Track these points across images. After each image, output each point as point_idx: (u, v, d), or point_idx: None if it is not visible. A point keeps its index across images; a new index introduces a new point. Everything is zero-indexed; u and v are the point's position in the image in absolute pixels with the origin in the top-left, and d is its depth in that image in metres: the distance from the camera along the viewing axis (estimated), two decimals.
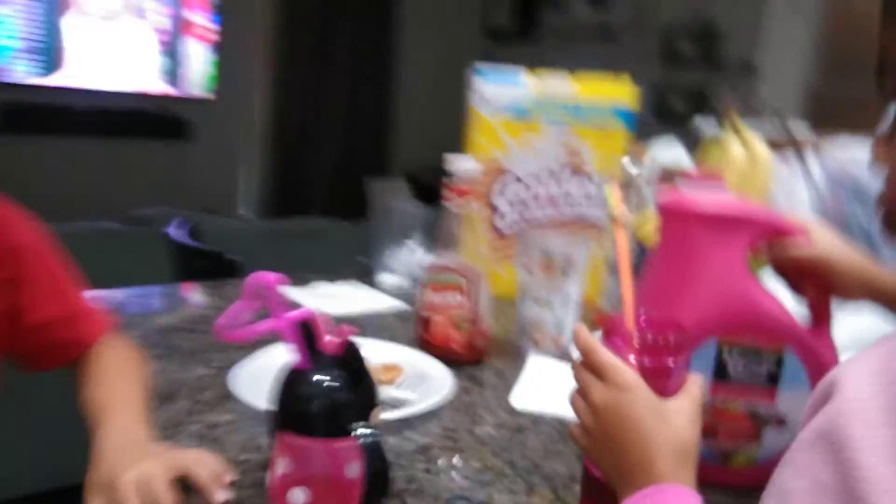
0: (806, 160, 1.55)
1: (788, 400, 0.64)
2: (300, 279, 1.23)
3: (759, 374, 0.64)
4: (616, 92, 1.19)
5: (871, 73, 0.48)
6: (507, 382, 0.87)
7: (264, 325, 0.55)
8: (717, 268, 0.66)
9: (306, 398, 0.55)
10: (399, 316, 1.10)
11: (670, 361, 0.50)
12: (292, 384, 0.56)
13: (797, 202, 1.44)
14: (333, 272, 1.31)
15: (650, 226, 1.24)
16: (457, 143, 1.20)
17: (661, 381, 0.49)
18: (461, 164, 0.92)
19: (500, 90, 1.15)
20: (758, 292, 0.66)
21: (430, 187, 1.35)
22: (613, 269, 1.16)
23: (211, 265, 1.58)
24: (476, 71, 1.18)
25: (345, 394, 0.55)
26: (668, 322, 0.53)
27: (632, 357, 0.51)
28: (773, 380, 0.64)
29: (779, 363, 0.64)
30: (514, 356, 0.95)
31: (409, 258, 1.26)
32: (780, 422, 0.65)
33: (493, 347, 0.95)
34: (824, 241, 0.64)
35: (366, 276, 1.29)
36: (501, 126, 1.16)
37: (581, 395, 0.52)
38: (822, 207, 1.53)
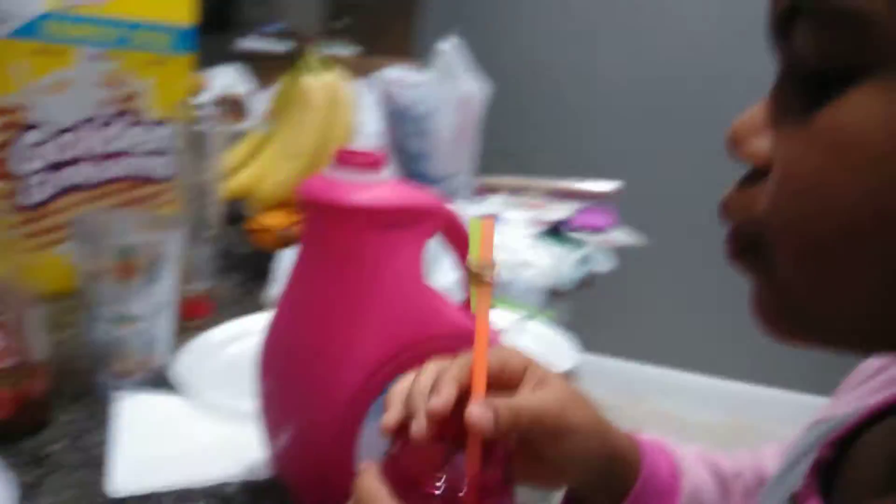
0: (367, 83, 1.50)
1: None
2: None
3: None
4: (172, 6, 0.91)
5: None
6: (94, 450, 0.60)
7: None
8: (395, 278, 0.51)
9: None
10: None
11: None
12: None
13: (369, 130, 1.38)
14: None
15: (240, 179, 1.03)
16: None
17: None
18: None
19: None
20: (440, 301, 0.54)
21: None
22: (195, 237, 0.93)
23: None
24: None
25: None
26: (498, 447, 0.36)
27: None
28: None
29: None
30: (92, 397, 0.68)
31: None
32: None
33: (57, 390, 0.66)
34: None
35: None
36: (11, 54, 0.78)
37: None
38: (382, 132, 1.51)
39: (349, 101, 1.11)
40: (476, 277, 0.36)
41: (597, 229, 1.41)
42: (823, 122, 0.23)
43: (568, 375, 0.82)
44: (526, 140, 2.11)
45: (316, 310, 0.52)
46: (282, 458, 0.56)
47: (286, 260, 0.94)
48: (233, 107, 1.20)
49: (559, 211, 1.42)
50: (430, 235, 0.53)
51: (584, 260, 1.23)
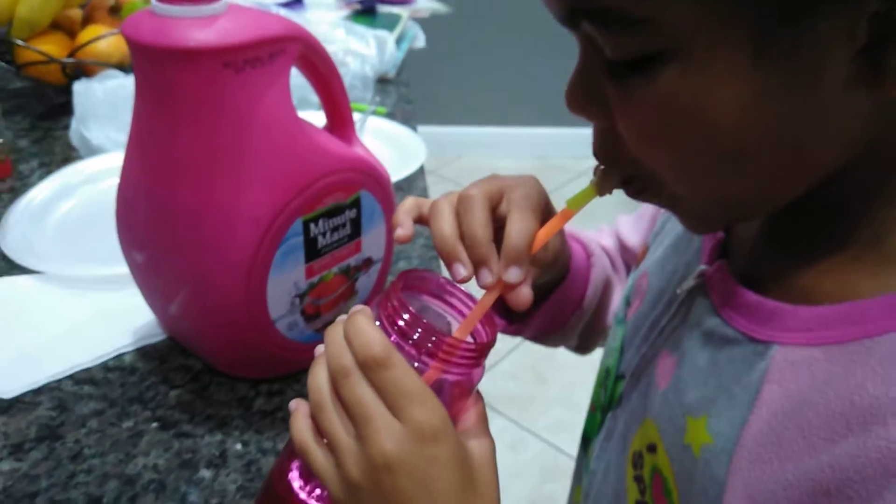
0: None
1: (370, 240, 0.56)
2: None
3: (344, 229, 0.53)
4: None
5: None
6: None
7: None
8: (265, 121, 0.47)
9: None
10: None
11: (477, 373, 0.34)
12: None
13: None
14: None
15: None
16: None
17: (461, 404, 0.34)
18: None
19: None
20: (318, 135, 0.51)
21: None
22: None
23: None
24: None
25: None
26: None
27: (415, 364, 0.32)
28: (356, 228, 0.54)
29: (357, 209, 0.54)
30: None
31: None
32: (368, 264, 0.57)
33: None
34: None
35: None
36: None
37: (350, 427, 0.32)
38: None
39: None
40: (595, 186, 0.36)
41: (404, 1, 1.35)
42: (647, 94, 0.29)
43: (423, 170, 0.83)
44: None
45: (184, 168, 0.47)
46: (180, 322, 0.54)
47: (85, 93, 0.82)
48: None
49: None
50: (290, 66, 0.49)
51: (401, 38, 1.19)
